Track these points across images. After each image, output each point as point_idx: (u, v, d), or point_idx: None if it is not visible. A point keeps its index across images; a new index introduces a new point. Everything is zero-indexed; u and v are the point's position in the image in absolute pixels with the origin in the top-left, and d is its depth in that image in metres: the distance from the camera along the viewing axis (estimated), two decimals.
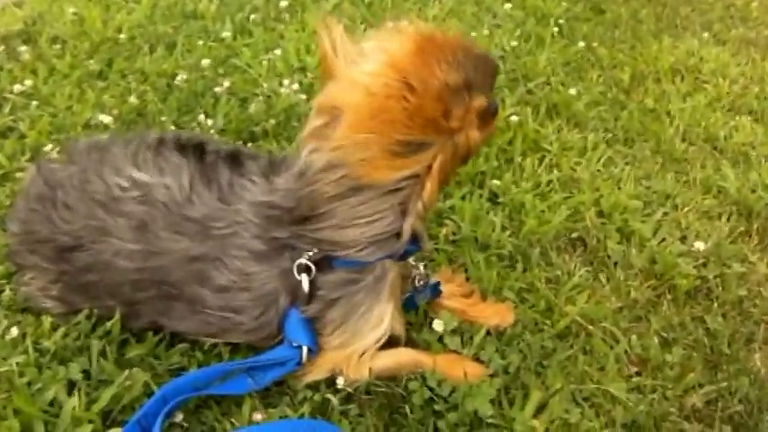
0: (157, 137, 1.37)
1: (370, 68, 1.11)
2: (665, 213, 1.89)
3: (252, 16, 2.74)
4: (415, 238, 1.23)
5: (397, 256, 1.24)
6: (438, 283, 1.44)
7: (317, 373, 1.28)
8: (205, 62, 2.34)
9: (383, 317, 1.27)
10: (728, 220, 1.90)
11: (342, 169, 1.11)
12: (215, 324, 1.27)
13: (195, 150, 1.33)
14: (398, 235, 1.19)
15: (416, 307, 1.44)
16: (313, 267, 1.20)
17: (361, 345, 1.27)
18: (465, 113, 1.13)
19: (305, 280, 1.20)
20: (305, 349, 1.23)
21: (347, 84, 1.12)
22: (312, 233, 1.18)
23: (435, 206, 1.23)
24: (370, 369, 1.29)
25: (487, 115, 1.23)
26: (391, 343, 1.31)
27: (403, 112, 1.07)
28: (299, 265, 1.20)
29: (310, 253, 1.19)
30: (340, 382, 1.28)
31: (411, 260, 1.35)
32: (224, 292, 1.23)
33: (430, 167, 1.15)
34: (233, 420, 1.23)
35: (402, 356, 1.33)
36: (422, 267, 1.39)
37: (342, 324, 1.25)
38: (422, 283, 1.39)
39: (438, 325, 1.41)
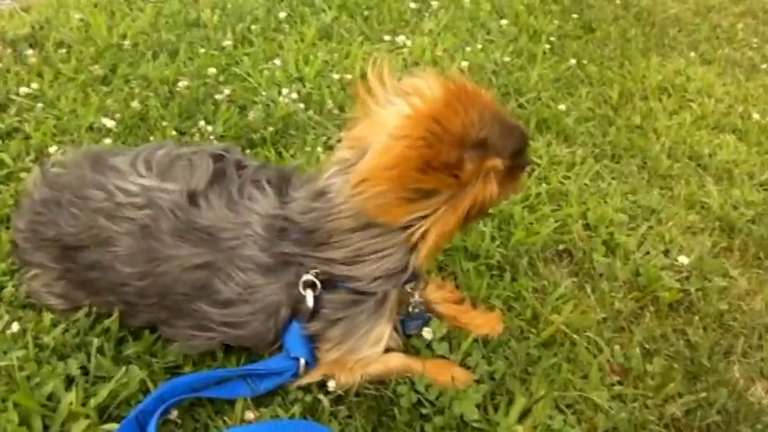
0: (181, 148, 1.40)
1: (398, 113, 1.14)
2: (650, 227, 1.94)
3: (252, 26, 2.78)
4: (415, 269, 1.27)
5: (400, 285, 1.27)
6: (430, 318, 1.47)
7: (310, 378, 1.32)
8: (207, 70, 2.38)
9: (382, 337, 1.30)
10: (711, 235, 1.95)
11: (358, 209, 1.15)
12: (217, 338, 1.30)
13: (213, 158, 1.35)
14: (404, 270, 1.23)
15: (406, 335, 1.46)
16: (318, 284, 1.23)
17: (357, 359, 1.30)
18: (476, 169, 1.14)
19: (310, 296, 1.23)
20: (302, 362, 1.27)
21: (376, 125, 1.16)
22: (326, 264, 1.21)
23: (440, 250, 1.25)
24: (357, 380, 1.32)
25: (514, 170, 1.25)
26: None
27: (418, 161, 1.08)
28: (306, 282, 1.22)
29: (317, 270, 1.22)
30: (331, 385, 1.32)
31: (408, 287, 1.37)
32: (228, 306, 1.25)
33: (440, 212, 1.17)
34: (225, 419, 1.26)
35: (392, 361, 1.37)
36: (417, 296, 1.41)
37: (340, 342, 1.27)
38: (416, 310, 1.42)
39: (427, 333, 1.45)
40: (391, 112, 1.15)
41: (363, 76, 1.20)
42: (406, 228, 1.16)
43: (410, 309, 1.41)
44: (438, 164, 1.09)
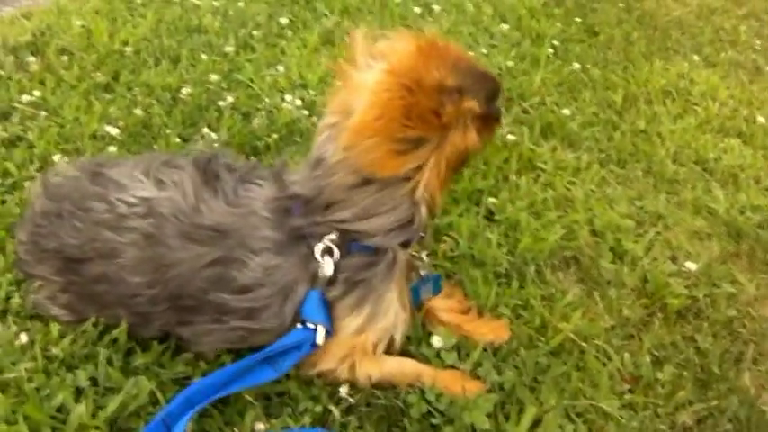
0: (169, 156, 1.41)
1: (377, 73, 1.20)
2: (657, 233, 1.93)
3: (254, 32, 2.77)
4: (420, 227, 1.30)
5: (412, 241, 1.30)
6: (439, 277, 1.49)
7: (329, 360, 1.31)
8: (209, 76, 2.38)
9: (394, 301, 1.32)
10: (718, 240, 1.94)
11: (354, 165, 1.19)
12: (236, 332, 1.29)
13: (199, 163, 1.36)
14: (412, 221, 1.26)
15: (419, 301, 1.47)
16: (336, 250, 1.24)
17: (376, 329, 1.30)
18: (456, 112, 1.20)
19: (328, 263, 1.24)
20: (321, 329, 1.25)
21: (357, 87, 1.22)
22: (338, 224, 1.24)
23: (441, 199, 1.31)
24: (375, 372, 1.33)
25: (489, 120, 1.30)
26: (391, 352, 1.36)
27: (401, 110, 1.15)
28: (323, 248, 1.24)
29: (333, 237, 1.24)
30: (343, 390, 1.32)
31: (413, 252, 1.40)
32: (246, 292, 1.25)
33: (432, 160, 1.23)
34: (235, 429, 1.25)
35: (406, 366, 1.37)
36: (424, 257, 1.44)
37: (358, 307, 1.29)
38: (424, 272, 1.44)
39: (436, 341, 1.44)
40: (370, 73, 1.22)
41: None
42: (405, 180, 1.22)
43: (420, 272, 1.44)
44: (420, 109, 1.16)
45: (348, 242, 1.25)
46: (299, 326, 1.26)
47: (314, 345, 1.26)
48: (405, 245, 1.30)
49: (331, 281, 1.26)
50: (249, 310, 1.26)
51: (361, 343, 1.31)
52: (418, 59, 1.17)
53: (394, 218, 1.24)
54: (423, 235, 1.33)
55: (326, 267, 1.24)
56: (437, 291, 1.49)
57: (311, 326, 1.25)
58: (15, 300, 1.43)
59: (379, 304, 1.30)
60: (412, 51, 1.19)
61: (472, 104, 1.22)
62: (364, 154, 1.17)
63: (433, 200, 1.27)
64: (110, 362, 1.31)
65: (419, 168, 1.21)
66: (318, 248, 1.24)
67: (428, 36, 1.23)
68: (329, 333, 1.27)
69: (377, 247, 1.27)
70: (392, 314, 1.32)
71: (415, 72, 1.16)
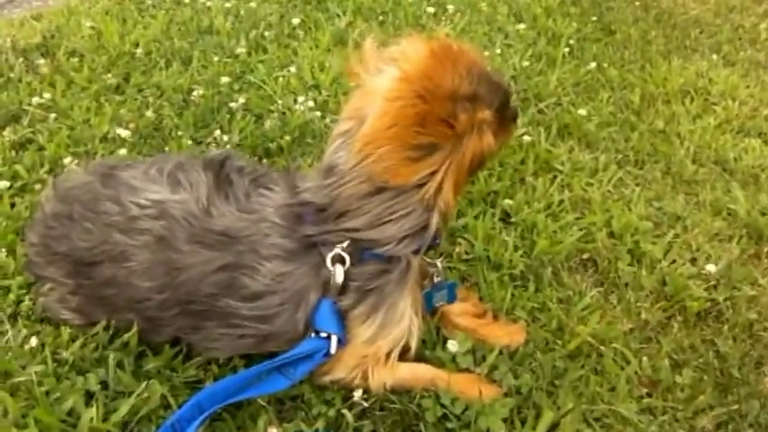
0: (182, 158, 1.40)
1: (390, 78, 1.19)
2: (676, 235, 1.89)
3: (266, 33, 2.77)
4: (433, 233, 1.28)
5: (425, 248, 1.28)
6: (454, 284, 1.47)
7: (342, 369, 1.30)
8: (221, 78, 2.37)
9: (407, 309, 1.30)
10: (738, 242, 1.90)
11: (367, 174, 1.18)
12: (247, 337, 1.27)
13: (213, 166, 1.35)
14: (425, 228, 1.24)
15: (433, 308, 1.46)
16: (347, 258, 1.23)
17: (389, 339, 1.29)
18: (470, 120, 1.19)
19: (339, 270, 1.23)
20: (334, 339, 1.24)
21: (370, 93, 1.21)
22: (350, 233, 1.22)
23: (455, 204, 1.31)
24: (389, 379, 1.32)
25: (505, 121, 1.29)
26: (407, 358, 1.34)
27: (415, 117, 1.14)
28: (334, 257, 1.23)
29: (344, 244, 1.23)
30: (357, 395, 1.30)
31: (427, 259, 1.40)
32: (256, 299, 1.24)
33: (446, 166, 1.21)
34: None
35: (420, 371, 1.36)
36: (438, 264, 1.43)
37: (371, 316, 1.27)
38: (438, 278, 1.43)
39: (452, 345, 1.42)
40: (383, 78, 1.21)
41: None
42: (419, 186, 1.20)
43: (434, 278, 1.43)
44: (434, 118, 1.15)
45: (360, 250, 1.24)
46: (312, 335, 1.25)
47: (327, 354, 1.24)
48: (417, 251, 1.28)
49: (343, 289, 1.24)
50: (260, 318, 1.25)
51: (373, 352, 1.29)
52: (431, 65, 1.16)
53: (407, 225, 1.22)
54: (438, 242, 1.31)
55: (337, 276, 1.23)
56: (452, 299, 1.48)
57: (324, 335, 1.24)
58: (26, 303, 1.43)
59: (391, 313, 1.28)
60: (425, 56, 1.17)
61: (486, 114, 1.21)
62: (377, 162, 1.16)
63: (447, 205, 1.25)
64: (120, 365, 1.30)
65: (433, 174, 1.20)
66: (329, 257, 1.23)
67: (441, 39, 1.22)
68: (342, 342, 1.26)
69: (390, 255, 1.25)
70: (405, 322, 1.30)
71: (428, 79, 1.14)
